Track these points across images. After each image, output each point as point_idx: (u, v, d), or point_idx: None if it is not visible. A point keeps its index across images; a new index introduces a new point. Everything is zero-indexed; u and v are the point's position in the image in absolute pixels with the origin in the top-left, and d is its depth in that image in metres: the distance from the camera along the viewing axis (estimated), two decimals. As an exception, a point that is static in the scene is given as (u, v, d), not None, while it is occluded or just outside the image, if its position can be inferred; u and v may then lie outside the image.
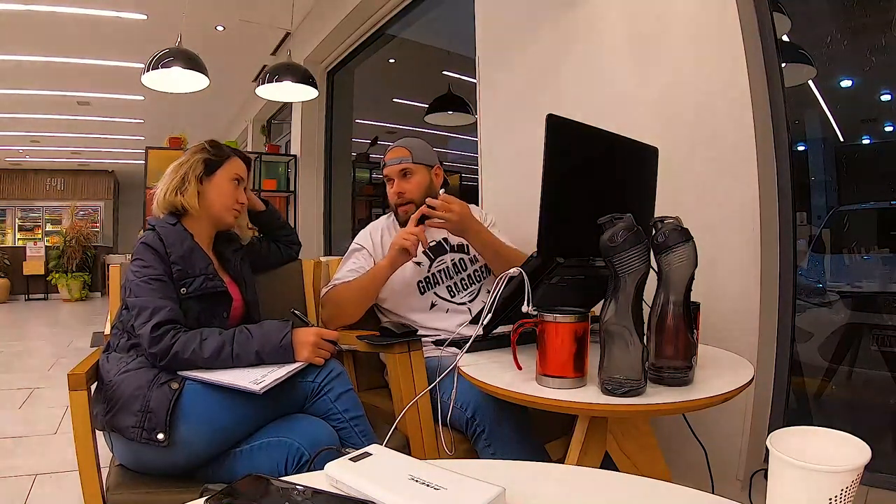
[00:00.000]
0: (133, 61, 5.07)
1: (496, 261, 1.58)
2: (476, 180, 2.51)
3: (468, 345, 1.13)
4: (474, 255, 1.67)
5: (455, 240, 1.68)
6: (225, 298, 1.30)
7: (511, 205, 2.19)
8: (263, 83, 3.32)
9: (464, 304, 1.63)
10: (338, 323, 1.55)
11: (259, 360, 1.15)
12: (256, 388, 1.06)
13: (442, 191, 1.54)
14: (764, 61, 1.59)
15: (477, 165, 2.49)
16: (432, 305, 1.61)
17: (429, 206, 1.47)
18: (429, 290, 1.62)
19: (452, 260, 1.66)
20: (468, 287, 1.65)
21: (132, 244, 1.26)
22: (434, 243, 1.66)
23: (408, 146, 1.68)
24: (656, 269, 0.97)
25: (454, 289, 1.64)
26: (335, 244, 4.90)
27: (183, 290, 1.21)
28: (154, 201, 1.35)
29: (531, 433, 1.31)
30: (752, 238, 1.53)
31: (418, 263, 1.63)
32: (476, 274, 1.67)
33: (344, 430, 1.17)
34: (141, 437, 1.06)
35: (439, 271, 1.64)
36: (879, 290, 2.02)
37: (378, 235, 1.68)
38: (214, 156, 1.37)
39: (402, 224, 1.67)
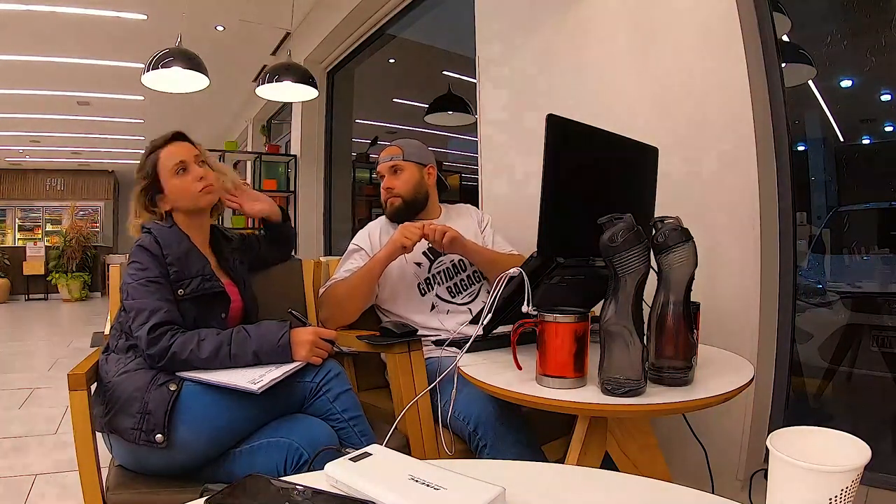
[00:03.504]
0: (133, 61, 5.07)
1: (493, 271, 1.59)
2: (476, 180, 2.51)
3: (468, 345, 1.13)
4: None
5: None
6: (223, 299, 1.30)
7: (511, 205, 2.19)
8: (263, 83, 3.31)
9: (464, 304, 1.63)
10: (337, 322, 1.55)
11: (257, 360, 1.15)
12: (254, 387, 1.06)
13: (440, 208, 1.56)
14: (764, 61, 1.59)
15: (477, 165, 2.48)
16: (433, 307, 1.61)
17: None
18: (429, 291, 1.62)
19: (452, 261, 1.66)
20: (468, 287, 1.65)
21: (132, 244, 1.25)
22: None
23: (400, 145, 1.70)
24: (656, 269, 0.97)
25: (454, 289, 1.64)
26: (335, 244, 4.90)
27: (180, 291, 1.21)
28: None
29: (534, 445, 1.31)
30: (752, 238, 1.53)
31: (418, 264, 1.63)
32: (476, 274, 1.67)
33: (343, 430, 1.17)
34: (140, 439, 1.06)
35: (439, 272, 1.64)
36: (879, 291, 2.02)
37: (377, 236, 1.68)
38: (145, 177, 1.31)
39: (391, 218, 1.68)
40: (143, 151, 1.36)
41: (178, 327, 1.16)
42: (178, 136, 1.35)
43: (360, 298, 1.55)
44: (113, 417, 1.10)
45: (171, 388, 1.09)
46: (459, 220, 1.74)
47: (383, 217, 1.76)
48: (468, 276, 1.66)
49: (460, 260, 1.66)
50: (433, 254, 1.65)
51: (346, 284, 1.55)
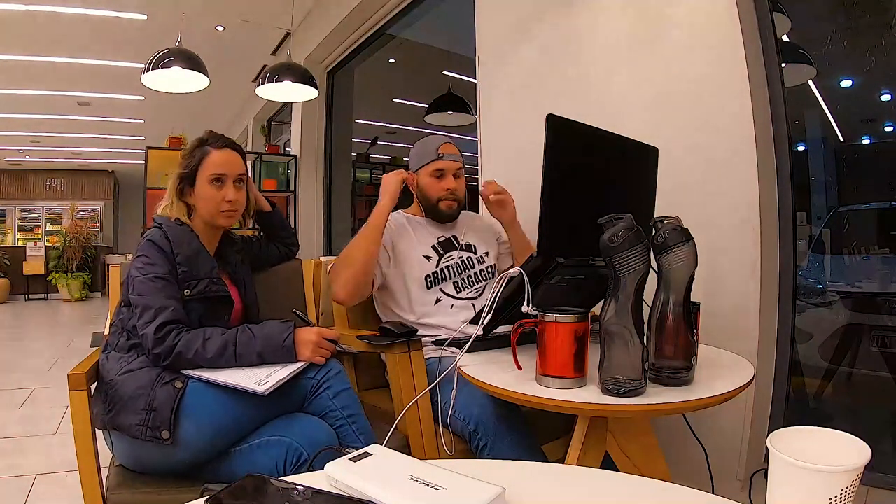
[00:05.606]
0: (133, 61, 5.07)
1: (522, 258, 1.60)
2: (476, 180, 2.51)
3: (468, 345, 1.13)
4: (481, 256, 1.70)
5: (464, 239, 1.70)
6: (227, 302, 1.30)
7: (511, 205, 2.19)
8: (263, 83, 3.32)
9: (469, 299, 1.63)
10: (348, 286, 1.49)
11: (261, 361, 1.16)
12: (261, 389, 1.06)
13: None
14: (764, 61, 1.59)
15: (477, 165, 2.48)
16: (437, 301, 1.61)
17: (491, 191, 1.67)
18: (436, 285, 1.62)
19: (461, 257, 1.67)
20: (474, 284, 1.66)
21: (132, 244, 1.25)
22: (444, 239, 1.67)
23: (458, 149, 1.71)
24: (656, 269, 0.97)
25: (460, 285, 1.64)
26: (335, 244, 4.90)
27: (186, 291, 1.21)
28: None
29: (534, 445, 1.31)
30: (752, 238, 1.53)
31: (427, 258, 1.63)
32: (482, 273, 1.68)
33: (342, 428, 1.17)
34: (146, 435, 1.06)
35: (447, 267, 1.65)
36: (879, 291, 2.02)
37: (390, 229, 1.66)
38: (186, 167, 1.30)
39: (446, 218, 1.68)
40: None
41: (184, 326, 1.16)
42: (234, 146, 1.34)
43: (370, 251, 1.49)
44: (117, 414, 1.10)
45: (177, 386, 1.10)
46: (479, 224, 1.78)
47: (396, 213, 1.72)
48: (474, 274, 1.67)
49: (468, 258, 1.67)
50: (443, 248, 1.66)
51: (352, 243, 1.50)
